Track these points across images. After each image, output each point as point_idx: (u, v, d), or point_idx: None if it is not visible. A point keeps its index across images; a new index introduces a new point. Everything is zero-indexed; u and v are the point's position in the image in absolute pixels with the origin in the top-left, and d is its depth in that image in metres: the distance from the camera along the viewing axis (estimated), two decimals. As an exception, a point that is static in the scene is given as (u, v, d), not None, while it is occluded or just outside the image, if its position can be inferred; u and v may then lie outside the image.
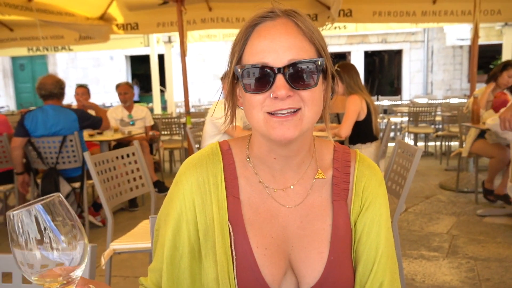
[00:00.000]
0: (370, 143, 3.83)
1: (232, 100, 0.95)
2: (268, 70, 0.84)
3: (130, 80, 15.71)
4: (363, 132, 3.81)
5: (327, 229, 0.94)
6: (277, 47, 0.84)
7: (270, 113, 0.85)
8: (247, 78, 0.86)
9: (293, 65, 0.83)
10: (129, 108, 5.38)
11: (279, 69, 0.83)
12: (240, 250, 0.91)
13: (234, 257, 0.90)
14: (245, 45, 0.88)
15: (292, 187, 0.96)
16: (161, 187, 5.23)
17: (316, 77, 0.86)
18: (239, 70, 0.86)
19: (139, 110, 5.45)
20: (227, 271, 0.89)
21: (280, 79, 0.83)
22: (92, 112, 4.46)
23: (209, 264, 0.91)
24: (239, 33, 0.89)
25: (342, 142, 3.58)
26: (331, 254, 0.92)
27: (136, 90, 13.96)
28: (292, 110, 0.84)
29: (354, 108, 3.76)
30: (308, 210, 0.95)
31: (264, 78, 0.84)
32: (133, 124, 5.28)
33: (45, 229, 0.63)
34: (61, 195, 0.67)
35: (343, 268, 0.93)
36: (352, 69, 3.87)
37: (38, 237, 0.63)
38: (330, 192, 0.97)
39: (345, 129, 3.73)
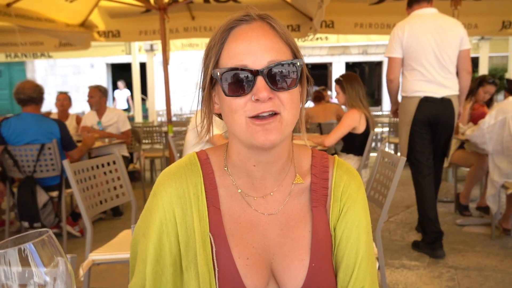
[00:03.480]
0: (362, 156, 3.82)
1: (208, 107, 0.93)
2: (248, 73, 0.83)
3: (111, 88, 15.55)
4: (358, 144, 3.81)
5: (307, 236, 0.93)
6: (255, 49, 0.84)
7: (252, 118, 0.84)
8: (227, 82, 0.84)
9: (273, 66, 0.84)
10: (100, 113, 5.16)
11: (259, 71, 0.83)
12: (222, 261, 0.89)
13: (216, 269, 0.89)
14: (221, 49, 0.87)
15: (271, 194, 0.95)
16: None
17: (295, 78, 0.86)
18: (218, 73, 0.85)
19: (111, 115, 5.19)
20: (209, 283, 0.88)
21: (260, 81, 0.83)
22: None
23: (191, 276, 0.89)
24: (214, 37, 0.89)
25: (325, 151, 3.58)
26: (312, 261, 0.91)
27: (125, 93, 13.47)
28: (273, 113, 0.84)
29: (350, 122, 3.71)
30: (288, 217, 0.94)
31: (244, 81, 0.84)
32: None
33: (30, 272, 0.57)
34: (50, 232, 0.62)
35: (325, 274, 0.92)
36: (355, 80, 3.78)
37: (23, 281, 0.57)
38: (309, 199, 0.96)
39: (331, 139, 3.73)
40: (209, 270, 0.88)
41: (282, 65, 0.84)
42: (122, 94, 13.32)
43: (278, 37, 0.87)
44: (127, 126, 5.25)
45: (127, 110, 13.18)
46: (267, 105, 0.83)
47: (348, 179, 0.98)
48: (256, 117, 0.84)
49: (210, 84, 0.90)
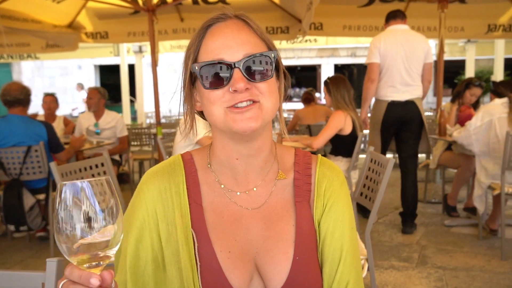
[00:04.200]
0: (351, 158, 3.84)
1: (190, 103, 0.96)
2: (225, 66, 0.86)
3: (98, 90, 15.41)
4: (346, 146, 3.83)
5: (291, 229, 0.95)
6: (231, 43, 0.88)
7: (230, 107, 0.87)
8: (205, 76, 0.88)
9: (248, 59, 0.87)
10: (97, 114, 5.09)
11: (235, 63, 0.86)
12: (204, 255, 0.91)
13: (198, 264, 0.90)
14: (199, 46, 0.91)
15: (255, 189, 0.96)
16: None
17: (271, 69, 0.89)
18: (196, 68, 0.88)
19: (109, 118, 5.11)
20: (191, 278, 0.89)
21: (237, 73, 0.86)
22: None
23: (173, 272, 0.91)
24: (193, 37, 0.93)
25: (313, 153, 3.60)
26: (296, 254, 0.92)
27: (82, 95, 12.83)
28: (251, 102, 0.87)
29: (335, 124, 3.76)
30: (271, 211, 0.96)
31: (221, 74, 0.87)
32: (98, 134, 5.03)
33: (89, 206, 0.64)
34: (110, 178, 0.68)
35: (310, 268, 0.93)
36: (341, 82, 3.83)
37: (81, 214, 0.64)
38: (292, 194, 0.98)
39: (319, 141, 3.75)
40: (192, 265, 0.90)
41: (257, 57, 0.88)
42: (80, 96, 13.06)
43: (252, 32, 0.91)
44: (124, 132, 5.19)
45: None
46: (245, 95, 0.86)
47: (331, 175, 1.00)
48: (235, 106, 0.86)
49: (190, 81, 0.94)
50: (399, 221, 4.35)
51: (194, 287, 0.89)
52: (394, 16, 4.11)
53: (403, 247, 3.81)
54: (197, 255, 0.91)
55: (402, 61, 3.96)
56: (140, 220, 0.93)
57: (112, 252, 0.67)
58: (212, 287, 0.89)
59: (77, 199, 0.64)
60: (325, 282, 0.95)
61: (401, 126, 4.10)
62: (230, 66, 0.86)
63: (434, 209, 4.94)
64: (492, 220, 4.01)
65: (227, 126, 0.88)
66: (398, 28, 4.07)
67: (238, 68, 0.86)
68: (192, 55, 0.92)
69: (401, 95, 4.02)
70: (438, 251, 3.68)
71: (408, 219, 4.20)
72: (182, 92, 0.96)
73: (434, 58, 4.82)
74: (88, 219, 0.64)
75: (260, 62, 0.88)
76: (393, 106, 4.03)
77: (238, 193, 0.96)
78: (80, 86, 13.19)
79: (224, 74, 0.87)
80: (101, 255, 0.66)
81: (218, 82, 0.87)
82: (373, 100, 4.29)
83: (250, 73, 0.87)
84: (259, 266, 0.93)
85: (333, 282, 0.94)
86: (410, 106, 4.03)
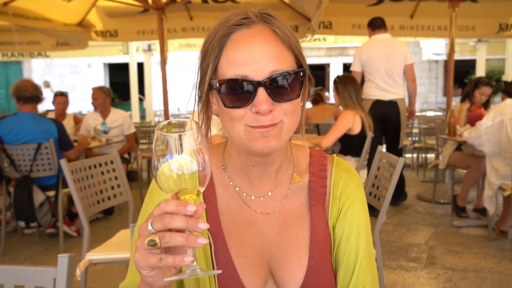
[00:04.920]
0: (360, 157, 3.83)
1: (206, 113, 0.91)
2: (248, 84, 0.79)
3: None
4: (356, 145, 3.82)
5: (306, 234, 0.93)
6: (256, 58, 0.80)
7: (251, 126, 0.82)
8: (226, 93, 0.81)
9: (275, 77, 0.80)
10: (104, 114, 5.11)
11: (259, 82, 0.79)
12: (220, 260, 0.89)
13: (215, 268, 0.88)
14: (220, 55, 0.83)
15: (270, 193, 0.94)
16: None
17: (298, 88, 0.83)
18: (217, 84, 0.82)
19: (116, 116, 5.12)
20: (208, 283, 0.87)
21: (261, 93, 0.79)
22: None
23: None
24: (212, 41, 0.84)
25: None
26: (311, 260, 0.91)
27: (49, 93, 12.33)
28: (274, 123, 0.82)
29: (344, 123, 3.76)
30: (286, 216, 0.94)
31: (244, 92, 0.80)
32: (106, 132, 5.03)
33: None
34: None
35: (324, 273, 0.92)
36: (349, 82, 3.85)
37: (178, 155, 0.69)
38: (307, 197, 0.96)
39: (328, 141, 3.74)
40: (208, 269, 0.88)
41: (285, 74, 0.81)
42: (48, 94, 12.97)
43: (280, 42, 0.83)
44: (131, 129, 5.19)
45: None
46: (267, 118, 0.80)
47: (347, 178, 0.97)
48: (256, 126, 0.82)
49: (208, 90, 0.87)
50: (407, 221, 4.33)
51: None
52: (380, 26, 4.73)
53: (411, 247, 3.78)
54: (214, 259, 0.89)
55: (383, 65, 4.57)
56: None
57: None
58: None
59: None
60: (340, 287, 0.93)
61: (385, 122, 4.71)
62: (254, 85, 0.79)
63: (443, 209, 4.90)
64: (503, 222, 3.97)
65: (246, 144, 0.84)
66: (380, 37, 4.71)
67: (263, 87, 0.79)
68: (212, 64, 0.83)
69: (385, 95, 4.64)
70: (447, 252, 3.66)
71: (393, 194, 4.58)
72: (197, 97, 0.91)
73: (445, 57, 4.99)
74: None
75: (288, 80, 0.81)
76: (377, 104, 4.65)
77: (253, 198, 0.94)
78: (46, 84, 13.08)
79: (247, 92, 0.80)
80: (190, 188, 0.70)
81: (240, 100, 0.81)
82: None
83: (275, 93, 0.80)
84: (273, 271, 0.92)
85: (348, 287, 0.92)
86: (392, 106, 4.66)
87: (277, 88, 0.80)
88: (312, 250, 0.92)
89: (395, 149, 4.79)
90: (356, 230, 0.94)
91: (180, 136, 0.68)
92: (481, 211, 4.33)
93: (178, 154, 0.68)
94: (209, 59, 0.84)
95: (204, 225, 0.65)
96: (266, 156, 0.88)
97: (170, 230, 0.66)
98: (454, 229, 4.24)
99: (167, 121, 0.72)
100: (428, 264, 3.43)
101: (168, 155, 0.68)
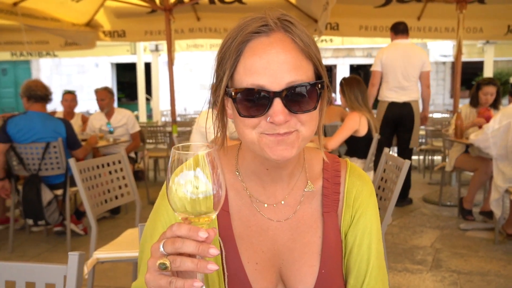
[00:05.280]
0: (366, 159, 3.83)
1: (222, 120, 0.90)
2: (265, 94, 0.78)
3: (115, 88, 15.61)
4: (362, 147, 3.82)
5: (318, 241, 0.93)
6: (274, 68, 0.78)
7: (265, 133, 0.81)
8: (241, 101, 0.80)
9: (292, 88, 0.78)
10: (109, 114, 5.13)
11: (276, 92, 0.78)
12: (231, 266, 0.89)
13: (226, 274, 0.88)
14: (237, 62, 0.81)
15: (283, 202, 0.94)
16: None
17: (315, 100, 0.82)
18: (232, 93, 0.81)
19: (120, 116, 5.14)
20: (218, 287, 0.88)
21: (277, 104, 0.78)
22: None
23: (204, 285, 0.89)
24: (229, 47, 0.82)
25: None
26: (322, 267, 0.91)
27: None
28: (290, 131, 0.81)
29: (350, 125, 3.77)
30: (299, 222, 0.93)
31: (260, 102, 0.79)
32: (112, 132, 5.05)
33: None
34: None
35: (334, 280, 0.92)
36: (355, 83, 3.86)
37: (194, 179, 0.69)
38: (320, 203, 0.95)
39: (334, 142, 3.74)
40: (219, 274, 0.88)
41: (302, 86, 0.79)
42: None
43: (299, 51, 0.81)
44: (136, 128, 5.22)
45: None
46: (282, 127, 0.80)
47: (360, 185, 0.97)
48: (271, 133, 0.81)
49: (223, 97, 0.86)
50: (413, 223, 4.32)
51: None
52: (402, 31, 4.92)
53: (417, 249, 3.78)
54: (224, 264, 0.89)
55: (400, 69, 4.79)
56: (163, 225, 0.90)
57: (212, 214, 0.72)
58: None
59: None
60: None
61: (399, 123, 4.93)
62: (271, 95, 0.78)
63: (450, 212, 4.88)
64: (509, 225, 3.94)
65: (259, 151, 0.83)
66: (401, 42, 4.91)
67: (279, 97, 0.78)
68: (228, 71, 0.82)
69: (399, 97, 4.86)
70: (453, 254, 3.65)
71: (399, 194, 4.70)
72: (211, 102, 0.90)
73: (452, 59, 5.11)
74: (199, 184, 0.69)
75: (305, 91, 0.80)
76: (392, 106, 4.89)
77: (266, 205, 0.94)
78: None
79: (263, 102, 0.79)
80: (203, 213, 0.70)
81: (255, 110, 0.80)
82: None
83: (291, 104, 0.79)
84: (284, 277, 0.92)
85: None
86: (406, 107, 4.88)
87: (293, 99, 0.79)
88: (323, 257, 0.91)
89: (407, 150, 5.00)
90: (368, 237, 0.94)
91: (198, 156, 0.68)
92: (488, 214, 4.31)
93: (194, 175, 0.68)
94: (226, 65, 0.82)
95: (215, 251, 0.65)
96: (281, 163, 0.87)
97: (181, 254, 0.66)
98: (460, 232, 4.23)
99: (185, 143, 0.73)
100: (434, 266, 3.42)
101: (183, 175, 0.68)
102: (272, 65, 0.78)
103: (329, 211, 0.94)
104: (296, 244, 0.92)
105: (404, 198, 5.08)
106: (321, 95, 0.84)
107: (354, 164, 1.01)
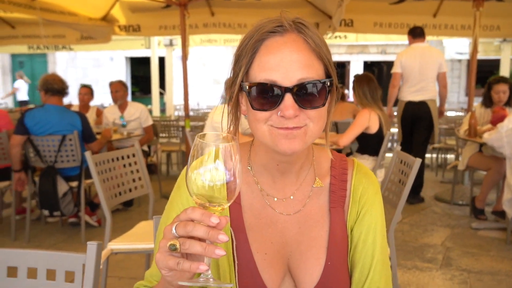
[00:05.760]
0: (377, 156, 3.84)
1: (235, 114, 0.96)
2: (277, 89, 0.84)
3: (129, 81, 15.74)
4: (373, 144, 3.83)
5: (324, 235, 0.97)
6: (286, 65, 0.84)
7: (275, 127, 0.86)
8: (254, 95, 0.86)
9: (302, 84, 0.84)
10: (122, 107, 5.19)
11: (287, 88, 0.83)
12: (241, 255, 0.93)
13: (236, 262, 0.92)
14: (252, 59, 0.87)
15: (291, 197, 0.98)
16: None
17: (324, 97, 0.87)
18: (247, 87, 0.86)
19: (133, 110, 5.19)
20: (228, 276, 0.92)
21: (288, 99, 0.83)
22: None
23: (210, 269, 0.93)
24: (245, 45, 0.88)
25: (339, 151, 3.60)
26: (328, 259, 0.95)
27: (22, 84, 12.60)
28: (298, 126, 0.86)
29: (361, 122, 3.79)
30: (307, 217, 0.98)
31: (272, 96, 0.84)
32: (124, 126, 5.11)
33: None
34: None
35: (340, 273, 0.96)
36: (365, 80, 3.89)
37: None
38: (327, 199, 0.99)
39: (346, 139, 3.75)
40: (229, 263, 0.92)
41: (312, 83, 0.85)
42: (23, 85, 13.02)
43: (311, 51, 0.87)
44: (149, 122, 5.27)
45: (27, 102, 12.86)
46: (292, 121, 0.85)
47: (367, 182, 1.01)
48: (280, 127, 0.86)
49: (238, 91, 0.92)
50: (424, 221, 4.31)
51: None
52: (419, 35, 5.14)
53: (427, 247, 3.78)
54: (235, 254, 0.93)
55: (418, 71, 4.99)
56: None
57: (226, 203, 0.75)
58: (247, 286, 0.92)
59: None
60: (354, 287, 0.97)
61: (415, 121, 5.14)
62: (282, 90, 0.83)
63: (461, 211, 4.86)
64: (521, 225, 3.92)
65: (270, 144, 0.88)
66: (418, 46, 5.12)
67: (290, 93, 0.83)
68: (244, 67, 0.88)
69: (416, 97, 5.07)
70: (464, 253, 3.64)
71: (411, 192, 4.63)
72: (227, 98, 0.95)
73: (468, 57, 5.16)
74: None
75: (315, 88, 0.85)
76: (409, 105, 5.12)
77: (276, 199, 0.98)
78: (19, 75, 13.14)
79: (274, 96, 0.84)
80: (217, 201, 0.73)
81: (267, 103, 0.85)
82: None
83: (302, 100, 0.84)
84: (291, 268, 0.96)
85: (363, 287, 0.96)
86: (422, 106, 5.06)
87: (304, 95, 0.84)
88: (329, 250, 0.95)
89: (421, 148, 5.17)
90: (373, 233, 0.98)
91: (219, 147, 0.71)
92: (500, 214, 4.28)
93: (214, 164, 0.71)
94: (242, 62, 0.88)
95: (224, 237, 0.68)
96: (289, 156, 0.91)
97: (192, 237, 0.69)
98: (472, 231, 4.21)
99: (209, 132, 0.76)
100: (444, 265, 3.42)
101: (204, 163, 0.71)
102: (285, 62, 0.84)
103: (336, 207, 0.99)
104: (303, 237, 0.96)
105: (415, 196, 5.10)
106: (330, 93, 0.89)
107: (361, 163, 1.05)
